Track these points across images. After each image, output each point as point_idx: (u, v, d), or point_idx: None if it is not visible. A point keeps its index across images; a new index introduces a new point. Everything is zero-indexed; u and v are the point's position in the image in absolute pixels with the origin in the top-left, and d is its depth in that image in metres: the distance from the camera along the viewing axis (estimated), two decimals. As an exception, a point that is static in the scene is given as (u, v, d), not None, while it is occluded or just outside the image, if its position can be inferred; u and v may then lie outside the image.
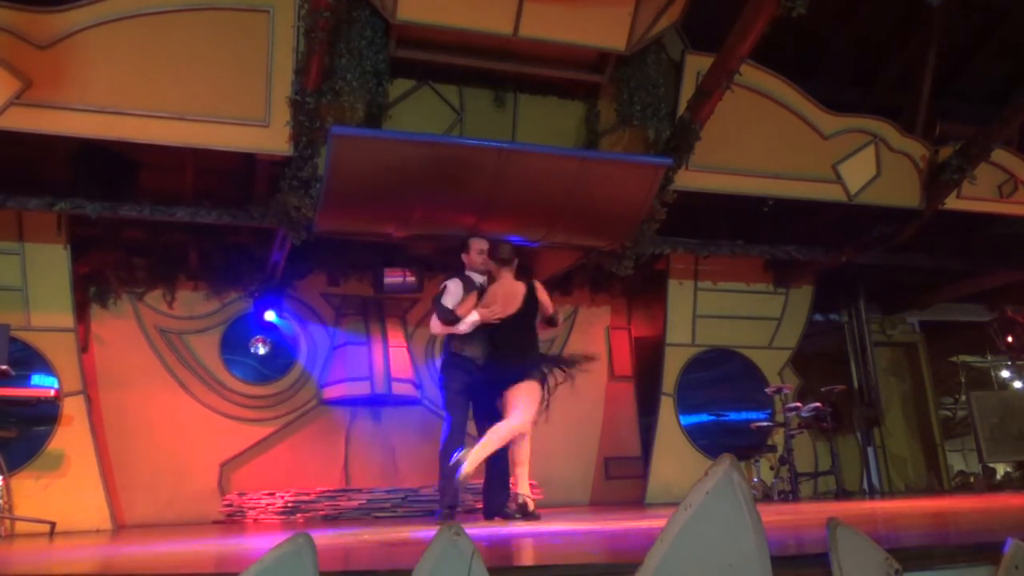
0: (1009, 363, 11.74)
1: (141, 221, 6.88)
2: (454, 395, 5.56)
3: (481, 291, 5.67)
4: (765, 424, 8.13)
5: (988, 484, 9.50)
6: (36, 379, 6.61)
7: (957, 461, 12.44)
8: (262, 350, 8.15)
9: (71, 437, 6.65)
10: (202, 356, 8.04)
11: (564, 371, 5.51)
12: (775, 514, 4.35)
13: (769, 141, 7.39)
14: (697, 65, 6.99)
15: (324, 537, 3.71)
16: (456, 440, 5.39)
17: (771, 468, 7.90)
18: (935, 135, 8.09)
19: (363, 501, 7.37)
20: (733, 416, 8.44)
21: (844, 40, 8.83)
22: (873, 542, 1.52)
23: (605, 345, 9.49)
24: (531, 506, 5.25)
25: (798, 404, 8.03)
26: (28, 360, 6.60)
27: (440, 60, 6.52)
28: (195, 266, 7.93)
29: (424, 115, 6.74)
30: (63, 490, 6.52)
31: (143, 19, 5.82)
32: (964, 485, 10.21)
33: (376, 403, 8.29)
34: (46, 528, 5.99)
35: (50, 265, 6.85)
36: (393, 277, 7.78)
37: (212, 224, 6.78)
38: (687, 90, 6.97)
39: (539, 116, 7.04)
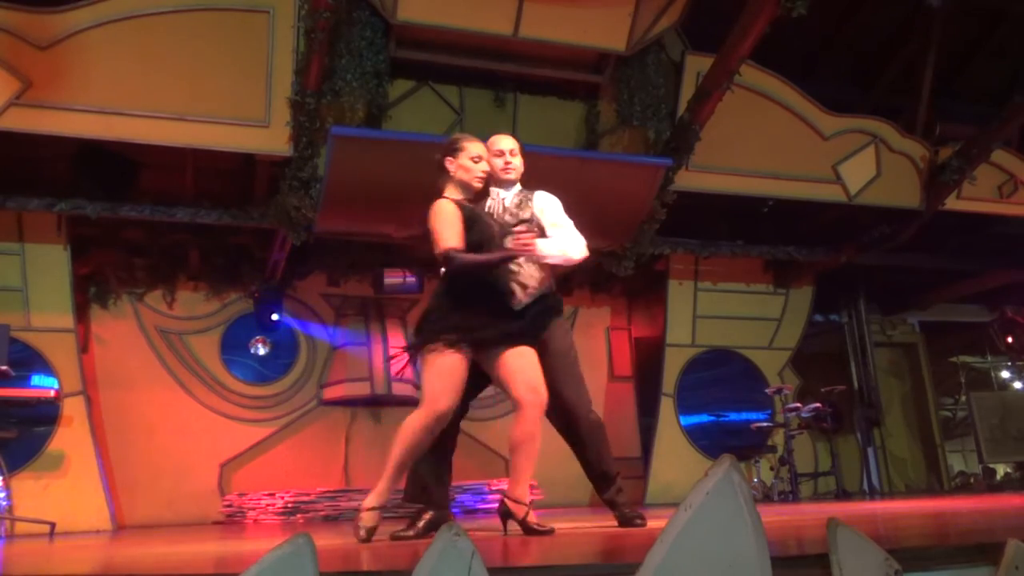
0: (1009, 363, 11.74)
1: (141, 221, 6.89)
2: None
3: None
4: (765, 424, 8.13)
5: (988, 484, 9.49)
6: (36, 379, 6.62)
7: (957, 461, 12.43)
8: (262, 350, 8.16)
9: (71, 437, 6.65)
10: (202, 356, 8.04)
11: None
12: (775, 514, 4.35)
13: (769, 141, 7.39)
14: (697, 65, 7.00)
15: (324, 537, 3.70)
16: None
17: (771, 468, 7.90)
18: (935, 135, 8.09)
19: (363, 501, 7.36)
20: (733, 416, 8.44)
21: (844, 40, 8.83)
22: (873, 542, 1.52)
23: (605, 345, 9.49)
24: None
25: (798, 404, 8.03)
26: (28, 360, 6.60)
27: (440, 60, 6.53)
28: (195, 266, 7.94)
29: (424, 115, 6.75)
30: (63, 490, 6.53)
31: (143, 19, 5.83)
32: (964, 485, 10.20)
33: (376, 403, 8.29)
34: (46, 528, 5.98)
35: (50, 265, 6.85)
36: (393, 277, 7.78)
37: (212, 224, 6.81)
38: (687, 90, 6.97)
39: (539, 116, 7.05)
